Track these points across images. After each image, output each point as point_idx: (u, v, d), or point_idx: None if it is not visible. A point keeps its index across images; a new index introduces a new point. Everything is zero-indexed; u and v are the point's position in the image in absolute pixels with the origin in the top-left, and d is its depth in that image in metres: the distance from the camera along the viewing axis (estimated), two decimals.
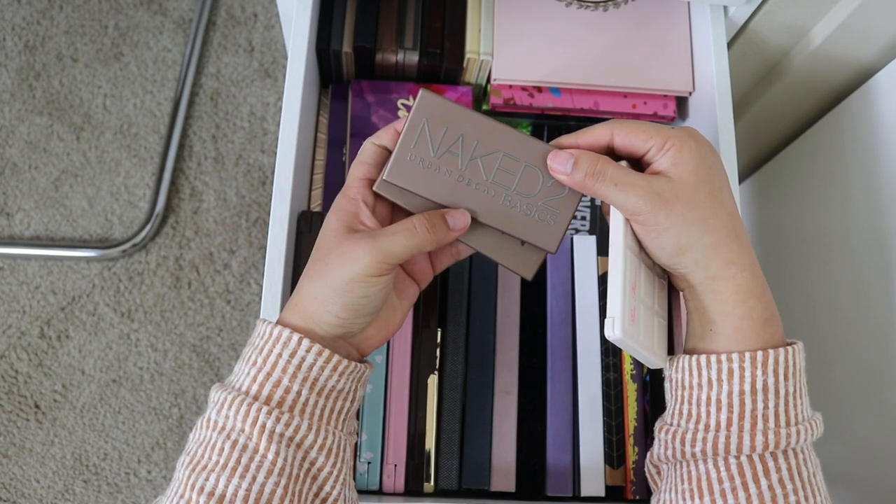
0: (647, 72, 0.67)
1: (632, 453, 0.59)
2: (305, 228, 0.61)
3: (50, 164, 1.16)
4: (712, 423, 0.43)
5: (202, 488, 0.40)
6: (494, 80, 0.67)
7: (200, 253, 1.13)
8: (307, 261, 0.47)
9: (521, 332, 0.61)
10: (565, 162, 0.45)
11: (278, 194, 0.58)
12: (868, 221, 0.71)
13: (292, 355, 0.43)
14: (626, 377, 0.61)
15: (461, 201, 0.47)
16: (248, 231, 1.14)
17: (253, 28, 1.23)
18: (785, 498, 0.42)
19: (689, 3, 0.69)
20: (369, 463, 0.57)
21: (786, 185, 0.87)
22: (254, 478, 0.41)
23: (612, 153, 0.47)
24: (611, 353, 0.61)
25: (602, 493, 0.58)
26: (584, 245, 0.63)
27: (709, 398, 0.43)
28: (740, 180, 0.97)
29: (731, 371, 0.43)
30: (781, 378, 0.43)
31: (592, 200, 0.71)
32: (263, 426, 0.42)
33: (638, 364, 0.61)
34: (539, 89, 0.67)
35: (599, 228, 0.70)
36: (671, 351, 0.61)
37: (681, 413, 0.45)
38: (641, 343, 0.44)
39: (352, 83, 0.69)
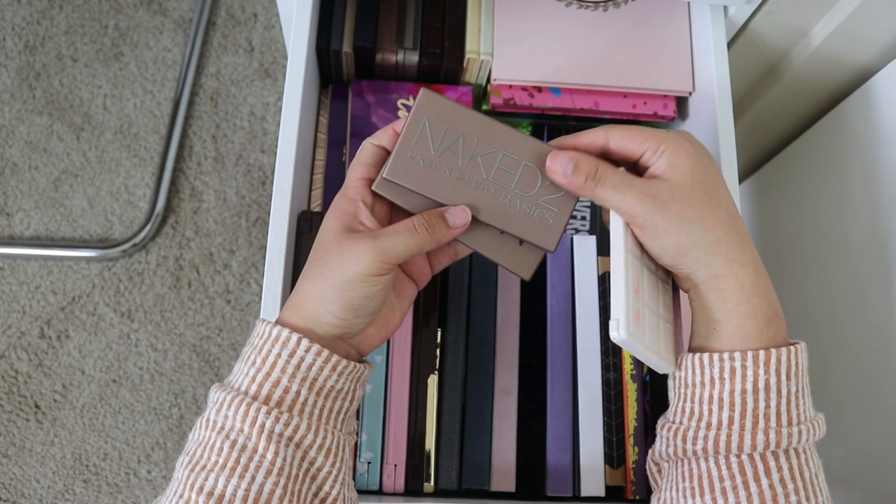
0: (647, 72, 0.67)
1: (632, 453, 0.59)
2: (305, 228, 0.61)
3: (50, 164, 1.16)
4: (714, 421, 0.43)
5: (201, 488, 0.40)
6: (494, 80, 0.67)
7: (200, 253, 1.13)
8: (307, 261, 0.47)
9: (521, 332, 0.61)
10: (565, 164, 0.45)
11: (278, 194, 0.58)
12: (868, 221, 0.71)
13: (291, 355, 0.43)
14: (626, 377, 0.61)
15: (461, 199, 0.47)
16: (248, 231, 1.14)
17: (253, 28, 1.23)
18: (786, 497, 0.42)
19: (689, 3, 0.69)
20: (369, 463, 0.57)
21: (786, 185, 0.87)
22: (253, 478, 0.41)
23: (608, 158, 0.47)
24: (611, 353, 0.61)
25: (602, 493, 0.58)
26: (584, 245, 0.63)
27: (710, 396, 0.43)
28: (740, 180, 0.97)
29: (732, 370, 0.43)
30: (783, 377, 0.43)
31: (592, 201, 0.71)
32: (263, 426, 0.42)
33: (638, 364, 0.61)
34: (539, 89, 0.67)
35: (599, 228, 0.70)
36: (677, 349, 0.61)
37: (683, 411, 0.45)
38: (647, 345, 0.44)
39: (352, 83, 0.69)
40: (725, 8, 0.67)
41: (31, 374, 1.08)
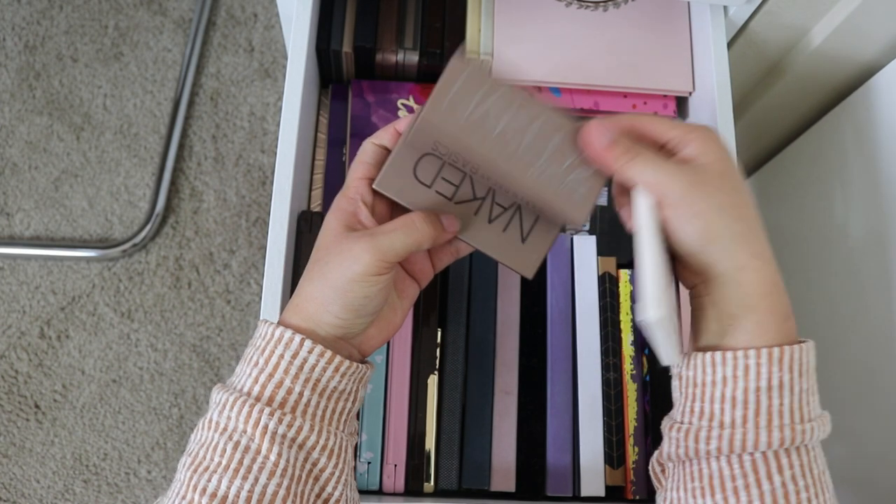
0: (647, 72, 0.68)
1: (632, 453, 0.59)
2: (305, 228, 0.61)
3: (50, 164, 1.16)
4: (727, 420, 0.43)
5: (204, 489, 0.40)
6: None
7: (200, 253, 1.13)
8: (307, 261, 0.47)
9: (521, 332, 0.61)
10: (602, 134, 0.44)
11: (278, 194, 0.58)
12: (868, 221, 0.71)
13: (294, 356, 0.43)
14: (626, 377, 0.61)
15: (455, 210, 0.48)
16: (248, 231, 1.14)
17: (253, 28, 1.23)
18: (796, 494, 0.41)
19: (689, 3, 0.69)
20: (369, 463, 0.57)
21: (786, 185, 0.87)
22: (256, 479, 0.41)
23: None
24: (611, 354, 0.61)
25: (602, 493, 0.58)
26: (584, 245, 0.64)
27: (723, 395, 0.43)
28: None
29: (747, 367, 0.42)
30: (796, 375, 0.42)
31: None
32: (265, 427, 0.41)
33: (638, 364, 0.61)
34: (539, 89, 0.67)
35: (599, 228, 0.70)
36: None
37: (692, 411, 0.44)
38: (675, 328, 0.43)
39: (352, 83, 0.69)
40: (725, 8, 0.67)
41: (31, 374, 1.08)
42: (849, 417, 0.73)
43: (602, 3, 0.64)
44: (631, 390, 0.60)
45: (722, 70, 0.64)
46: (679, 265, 0.46)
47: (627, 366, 0.61)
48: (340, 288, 0.44)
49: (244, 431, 0.42)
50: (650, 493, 0.59)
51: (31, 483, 1.05)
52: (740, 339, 0.43)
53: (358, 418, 0.58)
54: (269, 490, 0.41)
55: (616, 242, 0.70)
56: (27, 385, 1.08)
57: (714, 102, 0.63)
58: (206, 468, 0.41)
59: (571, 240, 0.64)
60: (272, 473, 0.41)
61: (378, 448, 0.58)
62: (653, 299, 0.41)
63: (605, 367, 0.61)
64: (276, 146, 0.60)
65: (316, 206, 0.67)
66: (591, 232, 0.69)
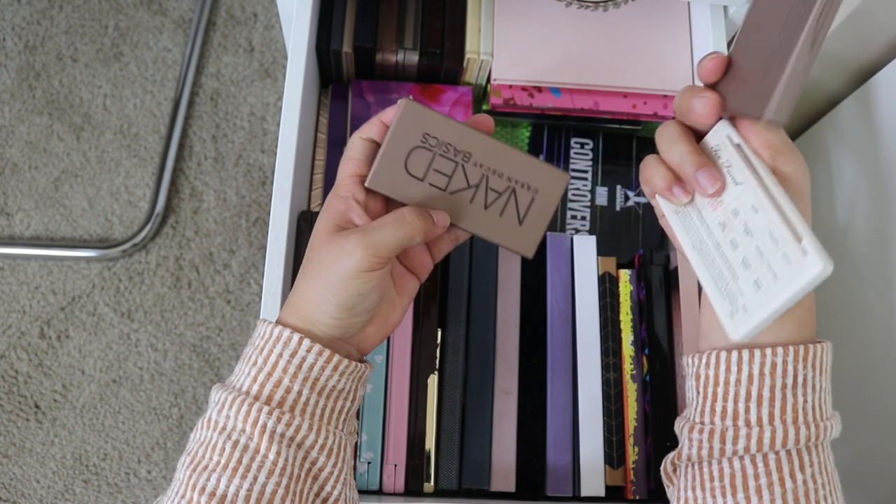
0: (647, 72, 0.67)
1: (632, 453, 0.59)
2: (305, 228, 0.61)
3: (50, 164, 1.16)
4: (753, 418, 0.42)
5: (203, 488, 0.40)
6: (494, 80, 0.67)
7: (200, 253, 1.13)
8: (302, 261, 0.47)
9: (521, 332, 0.61)
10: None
11: (278, 194, 0.58)
12: (869, 222, 0.71)
13: (293, 355, 0.43)
14: (626, 377, 0.61)
15: (444, 204, 0.48)
16: (248, 231, 1.14)
17: (253, 28, 1.23)
18: (815, 493, 0.41)
19: (689, 3, 0.69)
20: (369, 463, 0.57)
21: None
22: (255, 478, 0.41)
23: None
24: (611, 353, 0.61)
25: (602, 493, 0.58)
26: (584, 245, 0.63)
27: (749, 393, 0.42)
28: None
29: (774, 364, 0.42)
30: (818, 373, 0.43)
31: (592, 200, 0.71)
32: (264, 426, 0.41)
33: (638, 364, 0.61)
34: (539, 89, 0.67)
35: (599, 228, 0.70)
36: (677, 348, 0.61)
37: (713, 411, 0.44)
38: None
39: (352, 83, 0.69)
40: (725, 8, 0.67)
41: (31, 374, 1.08)
42: (850, 418, 0.72)
43: (602, 3, 0.64)
44: (631, 390, 0.60)
45: None
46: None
47: (627, 366, 0.61)
48: (334, 286, 0.43)
49: (243, 430, 0.42)
50: (650, 493, 0.59)
51: (31, 483, 1.05)
52: (782, 335, 0.43)
53: (358, 418, 0.58)
54: (269, 489, 0.41)
55: (616, 242, 0.70)
56: (27, 385, 1.08)
57: None
58: (206, 467, 0.41)
59: (571, 240, 0.64)
60: (271, 472, 0.41)
61: (378, 448, 0.58)
62: (816, 251, 0.39)
63: (605, 367, 0.61)
64: (276, 146, 0.60)
65: (316, 206, 0.67)
66: (591, 232, 0.69)
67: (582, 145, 0.72)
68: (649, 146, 0.72)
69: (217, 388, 0.44)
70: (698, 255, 0.44)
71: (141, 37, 1.22)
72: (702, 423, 0.44)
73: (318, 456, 0.43)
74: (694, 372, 0.45)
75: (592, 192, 0.71)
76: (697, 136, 0.45)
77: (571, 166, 0.71)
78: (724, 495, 0.42)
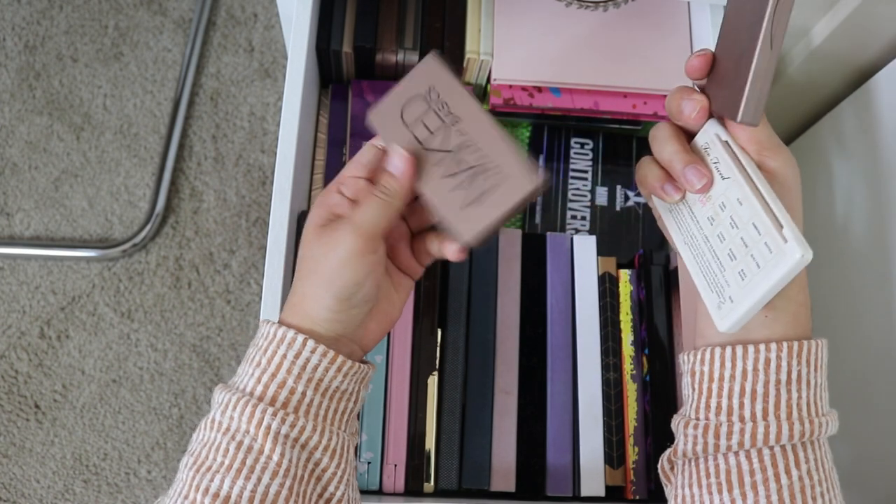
0: (647, 72, 0.68)
1: (632, 453, 0.59)
2: None
3: (50, 164, 1.16)
4: (747, 414, 0.42)
5: (206, 489, 0.40)
6: (494, 80, 0.67)
7: (200, 253, 1.13)
8: (297, 261, 0.47)
9: (521, 332, 0.61)
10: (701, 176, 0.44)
11: (278, 194, 0.58)
12: (869, 222, 0.71)
13: (297, 356, 0.43)
14: (626, 377, 0.61)
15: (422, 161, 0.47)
16: (248, 231, 1.14)
17: (253, 28, 1.23)
18: (812, 489, 0.41)
19: (688, 3, 0.69)
20: (369, 463, 0.57)
21: None
22: (259, 479, 0.41)
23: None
24: (611, 353, 0.61)
25: (602, 493, 0.58)
26: (584, 245, 0.64)
27: (743, 389, 0.43)
28: None
29: (768, 360, 0.42)
30: (812, 369, 0.43)
31: (592, 200, 0.71)
32: (269, 428, 0.41)
33: (638, 364, 0.61)
34: (539, 89, 0.67)
35: (599, 228, 0.70)
36: (677, 348, 0.61)
37: (708, 406, 0.44)
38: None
39: (352, 83, 0.69)
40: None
41: (31, 374, 1.08)
42: (850, 417, 0.72)
43: (602, 3, 0.64)
44: (631, 390, 0.60)
45: None
46: None
47: (627, 366, 0.61)
48: (330, 278, 0.43)
49: (247, 431, 0.42)
50: (650, 493, 0.59)
51: (31, 483, 1.05)
52: (776, 331, 0.43)
53: (358, 418, 0.58)
54: (272, 490, 0.41)
55: (616, 242, 0.70)
56: (27, 385, 1.08)
57: None
58: (209, 468, 0.41)
59: (571, 240, 0.64)
60: (275, 473, 0.41)
61: (378, 448, 0.58)
62: (800, 242, 0.39)
63: (605, 367, 0.61)
64: (276, 146, 0.60)
65: None
66: (591, 232, 0.69)
67: (582, 145, 0.72)
68: (649, 146, 0.71)
69: (220, 388, 0.44)
70: (689, 250, 0.46)
71: (141, 37, 1.22)
72: (696, 418, 0.45)
73: (321, 457, 0.43)
74: (689, 368, 0.46)
75: (592, 192, 0.71)
76: (689, 135, 0.46)
77: (571, 166, 0.71)
78: (720, 492, 0.43)
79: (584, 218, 0.70)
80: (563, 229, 0.70)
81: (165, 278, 1.12)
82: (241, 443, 0.41)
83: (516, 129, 0.73)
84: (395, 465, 0.58)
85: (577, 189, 0.71)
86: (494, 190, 0.46)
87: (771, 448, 0.42)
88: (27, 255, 1.11)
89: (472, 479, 0.58)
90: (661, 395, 0.60)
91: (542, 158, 0.71)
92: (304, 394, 0.43)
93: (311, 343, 0.43)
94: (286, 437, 0.42)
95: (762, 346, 0.42)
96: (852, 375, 0.73)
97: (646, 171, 0.46)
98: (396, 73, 0.70)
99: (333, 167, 0.67)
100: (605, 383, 0.60)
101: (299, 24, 0.63)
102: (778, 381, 0.42)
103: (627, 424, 0.60)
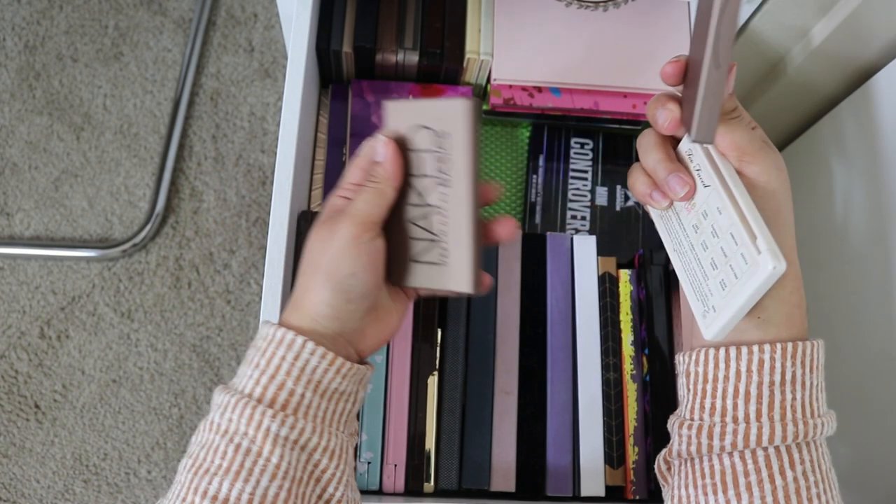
0: (647, 72, 0.68)
1: (632, 453, 0.59)
2: (305, 228, 0.61)
3: (50, 164, 1.16)
4: (740, 415, 0.42)
5: (205, 492, 0.40)
6: (494, 80, 0.67)
7: (200, 253, 1.13)
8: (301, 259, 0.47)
9: (521, 332, 0.61)
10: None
11: (278, 194, 0.58)
12: (869, 222, 0.71)
13: (296, 358, 0.43)
14: (626, 377, 0.61)
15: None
16: (248, 231, 1.14)
17: (253, 28, 1.23)
18: (807, 490, 0.42)
19: (688, 3, 0.69)
20: (369, 463, 0.57)
21: None
22: (258, 481, 0.41)
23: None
24: (611, 353, 0.61)
25: (602, 493, 0.58)
26: (584, 245, 0.64)
27: (736, 390, 0.43)
28: None
29: (761, 362, 0.42)
30: (808, 371, 0.43)
31: (592, 200, 0.71)
32: (268, 430, 0.41)
33: (638, 364, 0.61)
34: (539, 89, 0.67)
35: (599, 228, 0.70)
36: (677, 348, 0.61)
37: (702, 407, 0.44)
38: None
39: (352, 83, 0.69)
40: None
41: (31, 374, 1.08)
42: (850, 417, 0.72)
43: (602, 3, 0.64)
44: (631, 390, 0.60)
45: None
46: None
47: (627, 366, 0.61)
48: (328, 267, 0.44)
49: (245, 434, 0.42)
50: (650, 493, 0.59)
51: (31, 483, 1.05)
52: (769, 332, 0.43)
53: (358, 419, 0.58)
54: (271, 492, 0.41)
55: (616, 242, 0.70)
56: (27, 385, 1.08)
57: None
58: (207, 470, 0.41)
59: (571, 240, 0.64)
60: (273, 476, 0.41)
61: (378, 448, 0.58)
62: (772, 252, 0.39)
63: (605, 367, 0.61)
64: (276, 146, 0.60)
65: (316, 206, 0.67)
66: (591, 232, 0.69)
67: (582, 145, 0.72)
68: None
69: (220, 390, 0.44)
70: (678, 257, 0.46)
71: (141, 37, 1.22)
72: (691, 419, 0.45)
73: (320, 458, 0.43)
74: (684, 369, 0.46)
75: (592, 192, 0.71)
76: (676, 139, 0.47)
77: (571, 166, 0.71)
78: (715, 492, 0.43)
79: (584, 218, 0.70)
80: (563, 229, 0.70)
81: (165, 278, 1.12)
82: (239, 445, 0.41)
83: (516, 129, 0.73)
84: (395, 465, 0.58)
85: (577, 189, 0.71)
86: (435, 268, 0.47)
87: (765, 449, 0.42)
88: (27, 255, 1.11)
89: (472, 479, 0.58)
90: (661, 395, 0.60)
91: (542, 158, 0.71)
92: (303, 396, 0.43)
93: (310, 345, 0.43)
94: (285, 438, 0.42)
95: (755, 348, 0.42)
96: (851, 376, 0.73)
97: (634, 178, 0.47)
98: (396, 74, 0.70)
99: (333, 167, 0.67)
100: (605, 383, 0.60)
101: (299, 24, 0.63)
102: (772, 383, 0.42)
103: (627, 424, 0.60)
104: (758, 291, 0.40)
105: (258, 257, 1.13)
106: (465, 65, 0.68)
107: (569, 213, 0.70)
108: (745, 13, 0.68)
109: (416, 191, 0.47)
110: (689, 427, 0.44)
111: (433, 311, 0.61)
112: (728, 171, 0.43)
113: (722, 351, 0.43)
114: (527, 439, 0.59)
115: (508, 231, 0.48)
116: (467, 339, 0.60)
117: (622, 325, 0.62)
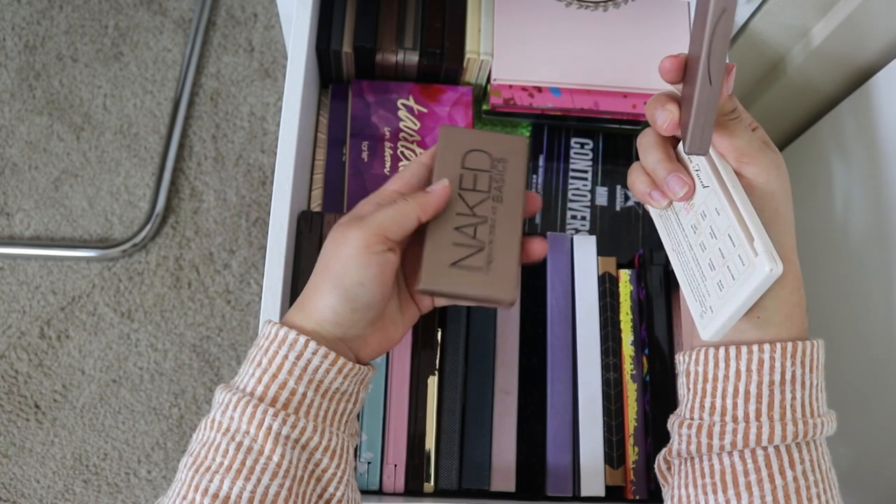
0: (647, 72, 0.68)
1: (632, 453, 0.59)
2: (305, 228, 0.61)
3: (50, 164, 1.16)
4: (740, 414, 0.43)
5: (206, 490, 0.40)
6: (494, 80, 0.67)
7: (200, 253, 1.13)
8: (307, 261, 0.47)
9: (521, 332, 0.61)
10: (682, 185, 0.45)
11: (278, 194, 0.58)
12: (869, 222, 0.71)
13: (298, 357, 0.43)
14: (626, 377, 0.61)
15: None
16: (248, 231, 1.14)
17: (253, 28, 1.23)
18: (807, 490, 0.42)
19: (688, 3, 0.69)
20: (369, 463, 0.57)
21: None
22: (258, 480, 0.41)
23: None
24: (611, 353, 0.61)
25: (602, 493, 0.58)
26: (584, 245, 0.63)
27: (736, 390, 0.43)
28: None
29: (761, 361, 0.42)
30: (808, 370, 0.43)
31: (592, 200, 0.71)
32: (269, 428, 0.42)
33: (638, 364, 0.61)
34: (539, 89, 0.67)
35: (599, 228, 0.70)
36: (677, 348, 0.61)
37: (702, 407, 0.44)
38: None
39: (352, 83, 0.69)
40: None
41: (31, 374, 1.08)
42: (851, 417, 0.72)
43: (602, 3, 0.64)
44: (631, 390, 0.60)
45: None
46: None
47: (627, 366, 0.61)
48: (337, 272, 0.44)
49: (247, 432, 0.42)
50: (650, 493, 0.59)
51: (31, 483, 1.05)
52: (769, 332, 0.43)
53: (358, 419, 0.58)
54: (272, 491, 0.41)
55: (616, 242, 0.70)
56: (27, 385, 1.08)
57: None
58: (208, 468, 0.41)
59: (571, 240, 0.64)
60: (274, 474, 0.41)
61: (378, 448, 0.58)
62: (768, 253, 0.39)
63: (605, 367, 0.61)
64: (276, 146, 0.60)
65: (316, 206, 0.67)
66: (591, 232, 0.69)
67: (582, 145, 0.72)
68: None
69: (221, 388, 0.44)
70: (677, 256, 0.47)
71: (141, 37, 1.22)
72: (691, 418, 0.45)
73: (321, 457, 0.43)
74: (684, 369, 0.46)
75: (592, 192, 0.71)
76: (676, 138, 0.47)
77: (571, 166, 0.71)
78: (714, 492, 0.43)
79: (584, 218, 0.70)
80: (563, 229, 0.70)
81: (165, 278, 1.12)
82: (240, 443, 0.42)
83: (516, 130, 0.73)
84: (395, 465, 0.58)
85: (577, 189, 0.71)
86: (477, 274, 0.49)
87: (765, 449, 0.42)
88: (27, 255, 1.11)
89: (472, 479, 0.58)
90: (661, 395, 0.60)
91: (542, 158, 0.71)
92: (304, 395, 0.43)
93: (312, 345, 0.43)
94: (286, 437, 0.42)
95: (755, 347, 0.43)
96: (852, 376, 0.73)
97: (634, 177, 0.47)
98: (396, 74, 0.70)
99: (333, 167, 0.67)
100: (605, 383, 0.60)
101: (299, 24, 0.63)
102: (771, 382, 0.42)
103: (627, 424, 0.60)
104: (755, 293, 0.40)
105: (258, 257, 1.13)
106: (465, 65, 0.68)
107: (569, 213, 0.70)
108: (745, 13, 0.68)
109: (465, 202, 0.50)
110: (689, 426, 0.44)
111: (433, 312, 0.61)
112: (727, 172, 0.43)
113: (722, 350, 0.43)
114: (527, 439, 0.59)
115: (541, 248, 0.51)
116: (467, 339, 0.60)
117: (622, 325, 0.62)
